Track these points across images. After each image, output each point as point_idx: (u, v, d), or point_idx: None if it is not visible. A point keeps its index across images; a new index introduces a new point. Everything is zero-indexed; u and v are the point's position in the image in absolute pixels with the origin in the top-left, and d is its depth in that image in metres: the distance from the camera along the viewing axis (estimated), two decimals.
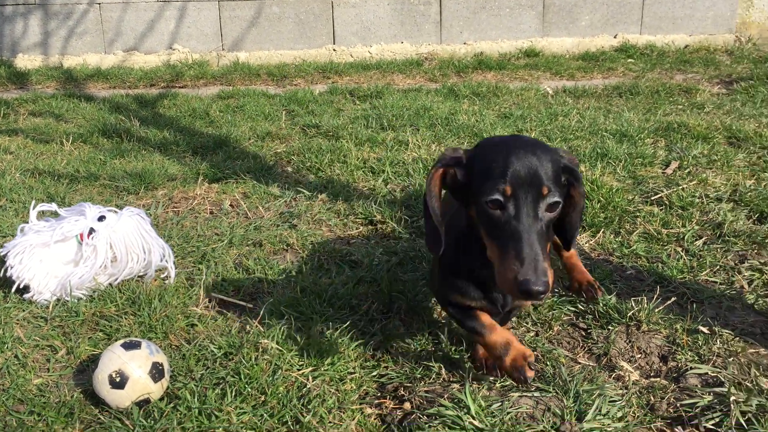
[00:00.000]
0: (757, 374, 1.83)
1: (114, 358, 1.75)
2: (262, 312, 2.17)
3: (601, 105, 5.04)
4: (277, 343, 1.98)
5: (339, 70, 6.67)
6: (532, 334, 2.12)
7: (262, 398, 1.77)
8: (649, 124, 4.17)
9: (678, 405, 1.78)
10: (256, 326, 2.07)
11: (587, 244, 2.69)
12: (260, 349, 1.93)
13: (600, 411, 1.74)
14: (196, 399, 1.76)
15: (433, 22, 7.31)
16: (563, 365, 1.94)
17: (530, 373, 1.67)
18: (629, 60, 6.98)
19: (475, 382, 1.86)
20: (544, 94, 5.58)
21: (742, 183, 3.14)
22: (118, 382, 1.73)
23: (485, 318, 1.79)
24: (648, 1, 7.43)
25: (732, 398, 1.73)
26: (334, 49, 7.23)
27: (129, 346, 1.78)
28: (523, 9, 7.35)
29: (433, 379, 1.89)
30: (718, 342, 2.00)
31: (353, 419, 1.74)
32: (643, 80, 5.85)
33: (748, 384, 1.80)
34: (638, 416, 1.76)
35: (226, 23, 7.05)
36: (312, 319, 2.16)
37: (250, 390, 1.79)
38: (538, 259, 1.42)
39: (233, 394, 1.78)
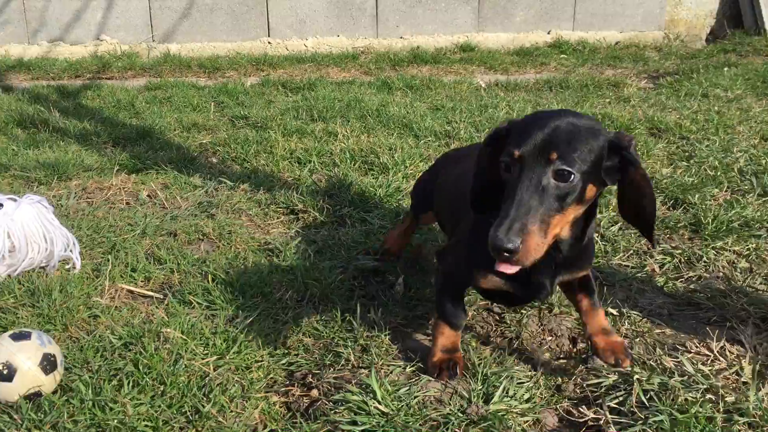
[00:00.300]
0: (662, 353, 1.85)
1: (1, 350, 1.66)
2: (167, 301, 2.09)
3: (531, 98, 5.09)
4: (182, 332, 1.91)
5: (273, 62, 6.58)
6: None
7: (162, 388, 1.70)
8: None
9: (584, 385, 1.78)
10: (160, 315, 2.00)
11: None
12: (162, 339, 1.86)
13: (507, 393, 1.73)
14: (90, 391, 1.68)
15: (369, 16, 7.28)
16: (474, 349, 1.93)
17: (444, 377, 1.78)
18: (562, 55, 7.08)
19: (384, 368, 1.83)
20: (477, 87, 5.60)
21: (660, 171, 3.20)
22: (6, 374, 1.64)
23: (462, 321, 1.85)
24: None
25: (635, 377, 1.74)
26: (269, 42, 7.12)
27: (18, 336, 1.69)
28: (459, 4, 7.39)
29: (342, 365, 1.86)
30: (626, 323, 2.03)
31: (257, 408, 1.69)
32: (573, 75, 5.94)
33: (652, 363, 1.81)
34: (545, 397, 1.75)
35: (156, 14, 6.87)
36: (222, 308, 2.10)
37: (148, 380, 1.72)
38: (516, 220, 1.38)
39: (130, 384, 1.70)
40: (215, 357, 1.83)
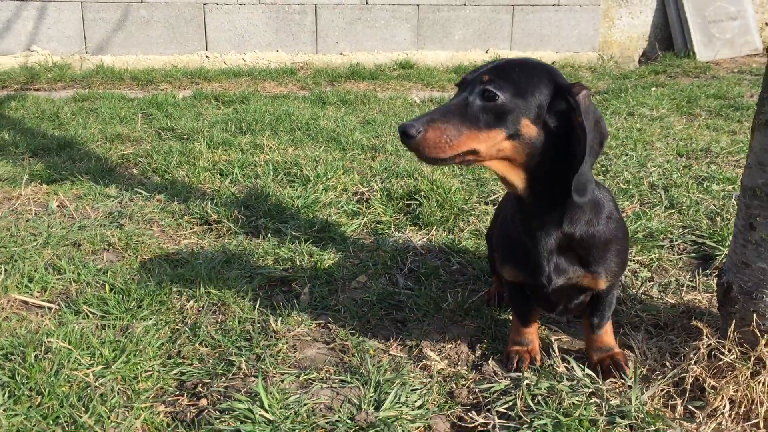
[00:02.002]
0: (556, 358, 1.86)
1: None
2: (54, 310, 2.03)
3: None
4: (69, 342, 1.85)
5: (209, 76, 6.51)
6: (350, 327, 2.09)
7: (39, 399, 1.64)
8: None
9: (477, 391, 1.78)
10: (46, 325, 1.93)
11: (420, 241, 2.70)
12: (44, 349, 1.80)
13: (399, 399, 1.72)
14: None
15: (308, 32, 7.29)
16: (370, 356, 1.91)
17: (524, 368, 1.84)
18: None
19: (277, 376, 1.80)
20: (411, 103, 5.65)
21: None
22: None
23: (535, 315, 1.90)
24: (517, 19, 7.71)
25: (525, 382, 1.75)
26: (206, 56, 7.06)
27: None
28: (398, 22, 7.46)
29: (234, 374, 1.82)
30: None
31: (139, 418, 1.64)
32: None
33: (544, 368, 1.83)
34: (438, 403, 1.75)
35: (89, 25, 6.75)
36: (117, 318, 2.05)
37: (25, 391, 1.65)
38: (429, 115, 1.48)
39: (6, 395, 1.64)
40: (100, 367, 1.77)
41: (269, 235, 2.74)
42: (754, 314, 1.67)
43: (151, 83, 6.25)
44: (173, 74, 6.50)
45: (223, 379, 1.80)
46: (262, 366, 1.85)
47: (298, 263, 2.48)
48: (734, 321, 1.71)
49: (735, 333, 1.69)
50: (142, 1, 6.80)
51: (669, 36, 8.21)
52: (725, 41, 7.86)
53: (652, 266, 2.46)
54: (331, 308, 2.20)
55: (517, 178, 1.57)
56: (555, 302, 1.83)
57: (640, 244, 2.57)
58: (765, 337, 1.66)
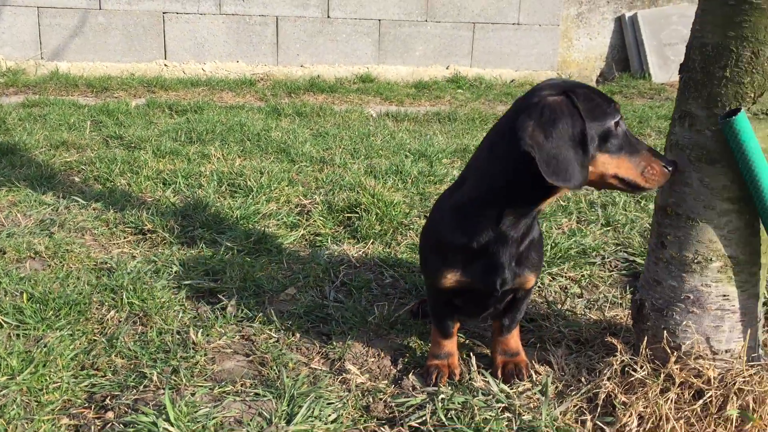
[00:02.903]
0: (474, 369, 1.86)
1: None
2: None
3: (417, 129, 5.17)
4: None
5: (166, 85, 6.45)
6: (273, 340, 2.07)
7: None
8: (449, 147, 4.31)
9: (393, 405, 1.77)
10: None
11: (356, 254, 2.68)
12: None
13: (313, 413, 1.70)
14: None
15: (269, 43, 7.27)
16: (288, 369, 1.89)
17: (441, 383, 1.82)
18: (458, 90, 7.25)
19: (190, 389, 1.77)
20: (367, 116, 5.65)
21: None
22: None
23: (455, 329, 1.91)
24: (477, 36, 7.78)
25: (440, 396, 1.74)
26: (165, 65, 7.00)
27: None
28: (360, 36, 7.48)
29: (145, 386, 1.78)
30: None
31: (38, 430, 1.59)
32: (464, 109, 6.08)
33: (463, 382, 1.82)
34: (353, 417, 1.73)
35: (45, 31, 6.65)
36: (33, 328, 1.99)
37: None
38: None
39: None
40: (5, 377, 1.72)
41: (203, 245, 2.71)
42: (665, 331, 1.69)
43: (107, 90, 6.17)
44: (129, 82, 6.42)
45: (134, 391, 1.76)
46: (175, 378, 1.82)
47: (228, 274, 2.44)
48: (646, 338, 1.72)
49: (647, 350, 1.70)
50: (100, 8, 6.73)
51: (626, 57, 8.36)
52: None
53: (582, 282, 2.47)
54: (257, 320, 2.17)
55: None
56: (489, 306, 1.84)
57: (572, 260, 2.59)
58: (675, 354, 1.67)
